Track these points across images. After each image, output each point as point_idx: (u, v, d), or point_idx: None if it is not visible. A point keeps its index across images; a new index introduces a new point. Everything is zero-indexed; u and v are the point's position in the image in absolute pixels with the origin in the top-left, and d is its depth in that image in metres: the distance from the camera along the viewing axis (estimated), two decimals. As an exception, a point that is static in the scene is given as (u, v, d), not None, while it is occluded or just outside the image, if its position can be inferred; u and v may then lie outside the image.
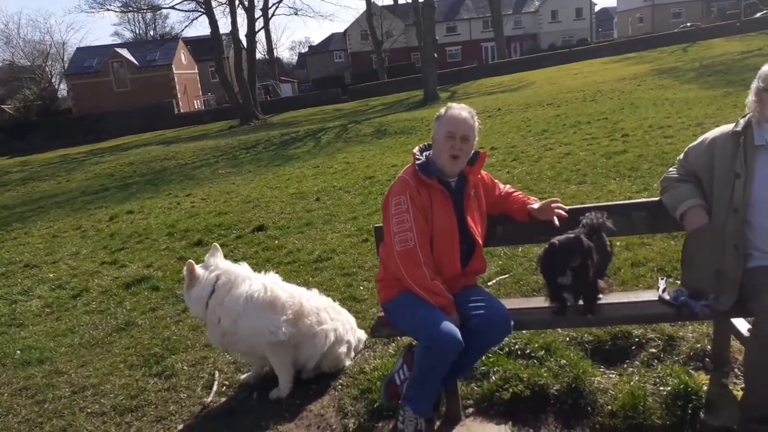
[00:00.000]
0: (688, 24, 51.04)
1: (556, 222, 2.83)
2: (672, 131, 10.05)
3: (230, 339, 3.34)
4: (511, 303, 3.01)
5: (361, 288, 4.91)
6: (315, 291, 3.70)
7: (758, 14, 44.54)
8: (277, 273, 5.65)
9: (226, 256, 6.61)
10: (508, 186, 3.13)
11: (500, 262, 4.95)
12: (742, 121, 2.66)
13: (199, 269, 3.36)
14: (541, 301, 2.99)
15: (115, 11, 55.33)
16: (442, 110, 2.92)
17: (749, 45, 28.20)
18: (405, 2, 46.52)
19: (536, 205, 2.93)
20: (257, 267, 5.87)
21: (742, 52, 25.40)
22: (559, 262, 2.65)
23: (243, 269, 3.46)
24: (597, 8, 68.20)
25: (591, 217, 2.84)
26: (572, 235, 2.68)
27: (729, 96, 13.80)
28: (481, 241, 2.91)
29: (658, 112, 12.77)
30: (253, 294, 3.30)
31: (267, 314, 3.29)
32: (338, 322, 3.57)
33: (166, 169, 17.79)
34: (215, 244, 3.58)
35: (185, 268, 3.35)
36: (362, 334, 3.82)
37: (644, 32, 54.87)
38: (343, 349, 3.54)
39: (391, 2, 62.23)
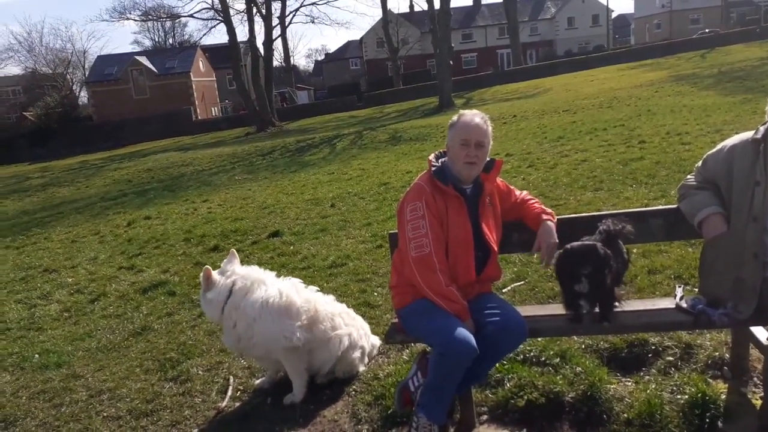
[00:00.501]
0: (707, 30, 50.53)
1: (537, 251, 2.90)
2: (690, 138, 9.94)
3: (245, 344, 3.36)
4: (526, 310, 3.00)
5: (375, 294, 4.92)
6: (331, 297, 3.71)
7: (779, 20, 43.94)
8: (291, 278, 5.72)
9: (242, 262, 6.67)
10: (524, 192, 3.12)
11: (515, 269, 4.93)
12: (762, 129, 2.63)
13: (215, 274, 3.39)
14: (556, 308, 2.97)
15: (135, 20, 56.27)
16: (455, 117, 2.92)
17: (769, 51, 27.85)
18: (421, 10, 46.67)
19: (541, 229, 2.90)
20: (273, 273, 5.99)
21: (761, 59, 25.09)
22: (573, 268, 2.64)
23: (261, 273, 3.48)
24: (614, 15, 67.79)
25: (608, 223, 2.82)
26: (589, 242, 2.66)
27: (748, 102, 13.64)
28: (496, 248, 2.90)
29: (676, 119, 12.65)
30: (268, 299, 3.32)
31: (282, 319, 3.31)
32: (352, 328, 3.58)
33: (184, 175, 17.98)
34: (233, 250, 3.61)
35: (202, 273, 3.38)
36: (376, 340, 3.82)
37: (662, 39, 54.40)
38: (357, 354, 3.54)
39: (407, 10, 62.37)
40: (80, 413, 3.64)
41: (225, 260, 3.50)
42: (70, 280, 7.05)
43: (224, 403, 3.48)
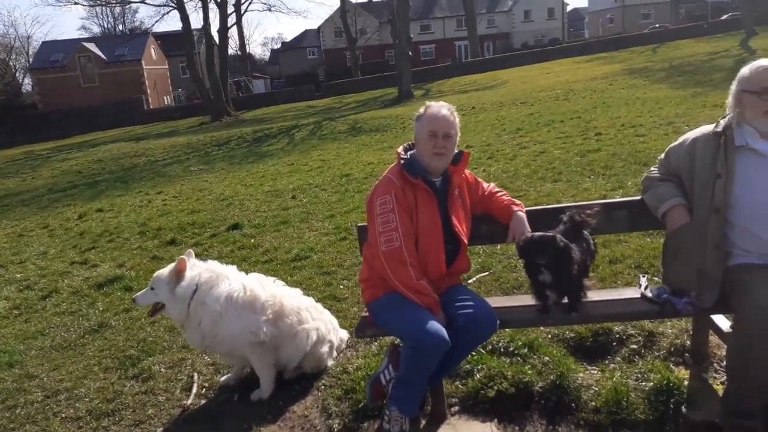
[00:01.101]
0: (657, 25, 52.08)
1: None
2: (644, 130, 10.22)
3: (210, 341, 3.27)
4: (495, 301, 3.01)
5: (341, 287, 4.87)
6: (298, 290, 3.65)
7: (724, 16, 45.64)
8: (255, 272, 5.59)
9: (199, 255, 6.50)
10: (492, 185, 3.13)
11: (480, 260, 4.96)
12: (722, 122, 2.69)
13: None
14: (525, 299, 3.00)
15: (83, 5, 54.03)
16: (422, 109, 2.90)
17: (716, 46, 28.91)
18: (379, 0, 46.44)
19: (513, 220, 2.91)
20: (233, 266, 5.86)
21: (709, 53, 26.02)
22: (531, 258, 2.67)
23: (223, 268, 3.38)
24: (569, 8, 69.10)
25: (572, 214, 2.86)
26: (547, 233, 2.69)
27: (698, 96, 14.12)
28: (466, 241, 2.90)
29: (630, 111, 12.99)
30: (232, 293, 3.23)
31: (247, 314, 3.22)
32: (320, 322, 3.53)
33: (136, 166, 17.46)
34: (189, 250, 3.47)
35: (174, 265, 3.23)
36: (344, 334, 3.78)
37: (614, 32, 55.77)
38: (325, 348, 3.50)
39: (365, -1, 62.09)
40: (37, 415, 3.49)
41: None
42: (19, 275, 6.75)
43: (189, 401, 3.38)
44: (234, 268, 3.46)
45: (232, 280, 3.30)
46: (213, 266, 3.36)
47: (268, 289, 3.38)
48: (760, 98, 2.51)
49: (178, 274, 3.22)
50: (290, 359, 3.40)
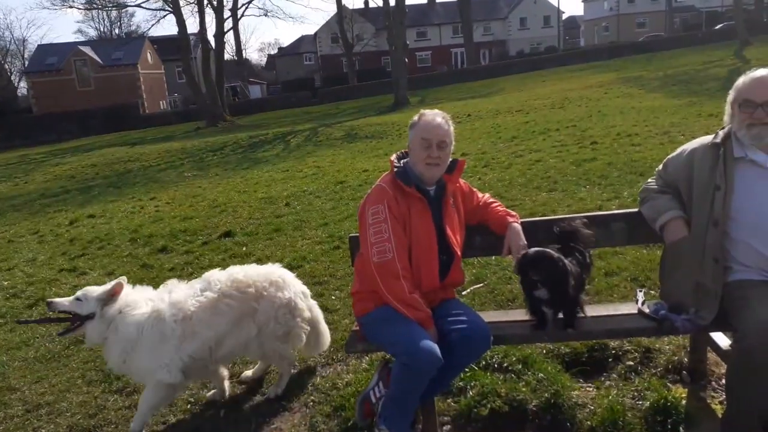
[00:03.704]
0: (652, 34, 52.37)
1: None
2: (640, 139, 10.18)
3: (126, 369, 3.07)
4: (489, 316, 2.93)
5: (333, 298, 4.78)
6: (237, 269, 3.29)
7: (719, 26, 45.93)
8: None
9: (191, 264, 6.40)
10: (486, 195, 3.06)
11: (474, 271, 4.89)
12: (721, 133, 2.64)
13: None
14: (519, 314, 2.92)
15: (79, 8, 53.75)
16: (416, 117, 2.82)
17: (710, 55, 29.03)
18: (376, 6, 46.54)
19: (508, 231, 2.83)
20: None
21: (704, 62, 26.12)
22: (527, 275, 2.60)
23: (138, 291, 3.13)
24: (565, 17, 69.41)
25: (563, 226, 2.79)
26: (541, 249, 2.61)
27: (693, 105, 14.12)
28: (459, 252, 2.82)
29: (626, 120, 12.97)
30: (143, 323, 2.98)
31: (158, 346, 2.97)
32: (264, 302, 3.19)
33: (130, 171, 17.32)
34: (123, 277, 3.17)
35: (111, 286, 3.03)
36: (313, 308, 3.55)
37: (610, 41, 56.06)
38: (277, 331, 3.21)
39: (362, 6, 62.19)
40: (16, 430, 3.39)
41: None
42: (6, 283, 6.62)
43: (173, 418, 3.28)
44: (175, 280, 3.27)
45: (142, 306, 3.05)
46: (132, 292, 3.11)
47: (174, 297, 3.09)
48: (740, 109, 2.47)
49: (112, 295, 3.02)
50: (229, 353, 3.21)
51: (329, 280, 5.23)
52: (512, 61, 47.22)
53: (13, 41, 64.31)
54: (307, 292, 3.52)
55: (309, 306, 3.46)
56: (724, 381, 2.84)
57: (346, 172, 11.64)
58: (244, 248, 6.76)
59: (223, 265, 6.09)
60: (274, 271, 3.32)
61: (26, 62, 57.18)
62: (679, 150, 2.79)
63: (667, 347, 3.31)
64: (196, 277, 5.73)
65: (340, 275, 5.30)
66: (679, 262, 2.68)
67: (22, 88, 59.58)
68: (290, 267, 5.68)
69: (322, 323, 3.62)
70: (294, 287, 3.34)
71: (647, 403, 2.80)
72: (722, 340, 2.90)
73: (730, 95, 2.60)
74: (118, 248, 7.62)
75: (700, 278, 2.58)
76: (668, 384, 3.00)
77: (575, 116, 15.11)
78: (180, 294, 3.11)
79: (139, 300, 3.06)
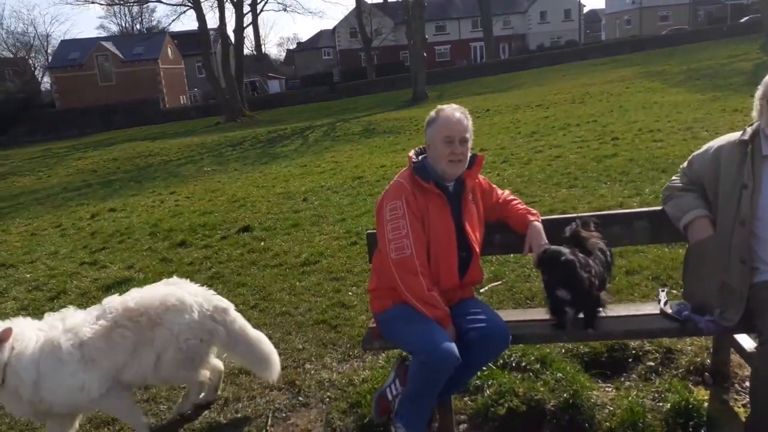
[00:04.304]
0: (675, 27, 51.48)
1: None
2: (662, 135, 10.02)
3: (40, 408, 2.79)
4: (508, 314, 2.89)
5: (350, 294, 4.77)
6: (137, 293, 3.04)
7: (744, 18, 44.98)
8: (263, 276, 5.47)
9: (210, 258, 6.43)
10: (506, 192, 3.01)
11: (492, 268, 4.84)
12: (749, 130, 2.56)
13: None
14: (538, 313, 2.88)
15: (101, 4, 54.67)
16: (433, 113, 2.77)
17: (735, 49, 28.44)
18: (395, 0, 46.41)
19: (530, 230, 2.79)
20: (242, 270, 5.80)
21: (729, 57, 25.61)
22: (550, 273, 2.55)
23: (26, 325, 2.84)
24: (585, 10, 68.58)
25: (572, 227, 2.74)
26: (555, 248, 2.56)
27: (717, 100, 13.85)
28: (478, 249, 2.78)
29: (648, 116, 12.77)
30: (38, 359, 2.73)
31: (60, 375, 2.75)
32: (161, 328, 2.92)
33: (151, 165, 17.51)
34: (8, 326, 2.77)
35: None
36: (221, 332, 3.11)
37: (631, 35, 55.24)
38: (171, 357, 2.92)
39: (381, 0, 61.97)
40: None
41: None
42: (29, 275, 6.73)
43: (189, 410, 3.30)
44: (71, 308, 3.06)
45: (37, 339, 2.78)
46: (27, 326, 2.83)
47: (70, 323, 2.87)
48: None
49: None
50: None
51: (346, 276, 5.22)
52: (532, 55, 46.75)
53: (36, 37, 65.23)
54: (226, 306, 3.16)
55: (229, 320, 3.13)
56: (748, 384, 2.78)
57: (364, 167, 11.63)
58: (262, 243, 6.79)
59: (242, 259, 6.17)
60: (173, 293, 3.01)
61: (49, 57, 57.99)
62: (704, 147, 2.72)
63: (689, 348, 3.25)
64: (213, 273, 5.82)
65: (357, 271, 5.29)
66: (704, 262, 2.62)
67: (46, 83, 60.49)
68: (308, 262, 5.74)
69: (250, 333, 3.22)
70: (200, 307, 3.02)
71: (668, 405, 2.75)
72: (747, 341, 2.83)
73: (759, 91, 2.53)
74: (138, 242, 7.70)
75: (725, 279, 2.53)
76: (690, 386, 2.94)
77: (596, 111, 14.92)
78: (76, 320, 2.89)
79: (28, 335, 2.76)
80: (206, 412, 3.31)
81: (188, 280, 3.22)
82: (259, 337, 3.26)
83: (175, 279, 3.20)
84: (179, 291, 3.04)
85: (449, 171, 2.68)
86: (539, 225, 2.79)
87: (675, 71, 23.08)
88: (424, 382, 2.54)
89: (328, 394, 3.31)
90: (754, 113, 2.57)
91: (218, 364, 3.35)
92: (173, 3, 35.52)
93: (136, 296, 2.99)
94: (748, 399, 2.69)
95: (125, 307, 2.92)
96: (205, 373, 3.24)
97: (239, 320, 3.21)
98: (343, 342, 3.92)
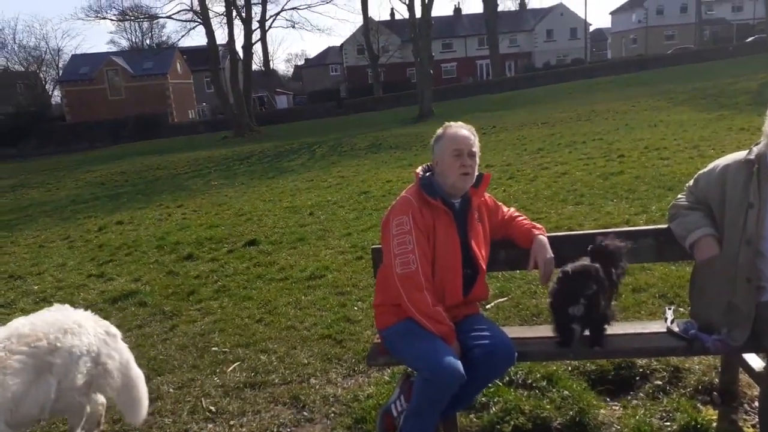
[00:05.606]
0: (681, 46, 51.68)
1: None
2: (668, 153, 10.02)
3: None
4: (513, 331, 2.89)
5: (356, 308, 4.77)
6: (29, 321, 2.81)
7: (750, 38, 45.13)
8: (269, 290, 5.47)
9: (216, 272, 6.45)
10: (512, 209, 3.02)
11: (498, 284, 4.83)
12: (755, 149, 2.57)
13: None
14: (544, 330, 2.87)
15: (112, 20, 54.94)
16: (440, 131, 2.80)
17: (741, 68, 28.50)
18: (402, 18, 46.83)
19: (534, 244, 2.80)
20: (248, 283, 5.81)
21: (734, 76, 25.64)
22: (573, 290, 2.54)
23: None
24: (591, 29, 68.90)
25: (607, 243, 2.73)
26: (587, 263, 2.56)
27: (723, 119, 13.85)
28: (484, 266, 2.78)
29: (654, 134, 12.79)
30: None
31: None
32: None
33: (159, 179, 17.63)
34: None
35: None
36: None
37: (637, 53, 55.45)
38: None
39: (388, 17, 62.51)
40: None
41: None
42: (36, 287, 6.76)
43: (195, 426, 3.30)
44: None
45: None
46: None
47: None
48: None
49: None
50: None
51: (352, 291, 5.22)
52: (538, 73, 47.01)
53: (48, 51, 66.13)
54: (116, 333, 3.05)
55: (118, 349, 2.99)
56: (757, 404, 2.75)
57: (370, 182, 11.67)
58: (268, 257, 6.81)
59: (248, 273, 6.18)
60: (68, 316, 2.87)
61: (60, 71, 58.73)
62: (711, 165, 2.73)
63: (697, 367, 3.23)
64: (220, 286, 5.83)
65: (363, 285, 5.29)
66: (710, 281, 2.61)
67: (56, 96, 61.14)
68: (313, 276, 5.75)
69: (133, 369, 3.05)
70: (95, 331, 2.89)
71: (676, 425, 2.73)
72: (755, 361, 2.81)
73: None
74: (145, 255, 7.73)
75: (731, 298, 2.52)
76: (698, 405, 2.91)
77: (602, 129, 14.95)
78: None
79: None
80: (210, 425, 3.31)
81: (68, 305, 3.05)
82: (139, 374, 3.11)
83: (57, 306, 3.02)
84: (74, 314, 2.90)
85: (459, 184, 2.70)
86: (544, 239, 2.80)
87: (680, 90, 23.13)
88: (428, 398, 2.54)
89: (333, 409, 3.30)
90: (764, 133, 2.57)
91: (100, 397, 3.07)
92: (183, 19, 36.10)
93: (26, 323, 2.77)
94: (757, 419, 2.67)
95: (20, 334, 2.68)
96: (101, 403, 3.03)
97: (126, 352, 3.06)
98: (349, 357, 3.92)
